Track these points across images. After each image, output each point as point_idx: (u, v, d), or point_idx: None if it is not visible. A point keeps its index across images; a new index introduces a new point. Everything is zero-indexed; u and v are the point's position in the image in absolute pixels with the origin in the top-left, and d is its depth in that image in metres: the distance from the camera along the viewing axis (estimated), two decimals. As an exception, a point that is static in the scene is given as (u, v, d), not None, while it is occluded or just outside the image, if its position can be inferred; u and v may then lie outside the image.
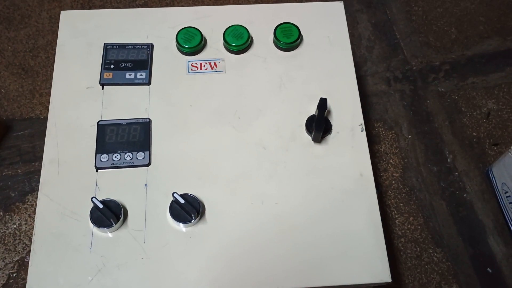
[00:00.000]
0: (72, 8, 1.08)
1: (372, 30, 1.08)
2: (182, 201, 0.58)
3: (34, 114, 0.94)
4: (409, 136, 0.95)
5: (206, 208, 0.62)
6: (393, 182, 0.90)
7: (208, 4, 1.10)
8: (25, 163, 0.89)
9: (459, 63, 1.04)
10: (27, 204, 0.85)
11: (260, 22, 0.75)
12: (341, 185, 0.64)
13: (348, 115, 0.69)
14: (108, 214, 0.58)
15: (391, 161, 0.92)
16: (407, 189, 0.90)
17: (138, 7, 1.09)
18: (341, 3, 0.78)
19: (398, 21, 1.10)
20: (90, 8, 1.08)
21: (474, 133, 0.96)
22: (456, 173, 0.92)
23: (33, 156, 0.90)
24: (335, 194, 0.64)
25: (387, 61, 1.04)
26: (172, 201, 0.60)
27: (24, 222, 0.83)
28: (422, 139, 0.95)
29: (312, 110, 0.68)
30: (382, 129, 0.96)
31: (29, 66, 0.99)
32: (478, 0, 1.13)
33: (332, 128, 0.68)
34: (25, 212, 0.84)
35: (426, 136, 0.95)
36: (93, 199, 0.58)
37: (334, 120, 0.68)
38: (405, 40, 1.07)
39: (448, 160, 0.93)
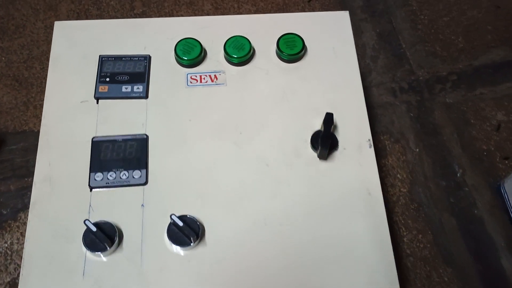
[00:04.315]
0: (68, 17, 1.05)
1: (377, 40, 1.05)
2: (181, 223, 0.55)
3: (28, 127, 0.91)
4: (417, 150, 0.92)
5: (206, 229, 0.59)
6: (401, 197, 0.87)
7: (208, 14, 1.08)
8: (18, 178, 0.86)
9: (466, 73, 1.02)
10: (19, 222, 0.82)
11: (262, 33, 0.73)
12: (348, 205, 0.61)
13: (355, 130, 0.66)
14: (102, 237, 0.54)
15: (398, 175, 0.89)
16: (415, 205, 0.86)
17: (136, 17, 1.06)
18: (347, 13, 0.75)
19: (403, 30, 1.07)
20: (86, 18, 1.05)
21: (483, 146, 0.93)
22: (466, 188, 0.88)
23: (26, 171, 0.87)
24: (342, 214, 0.61)
25: (392, 71, 1.02)
26: (170, 223, 0.57)
27: (16, 241, 0.80)
28: (429, 153, 0.92)
29: (317, 124, 0.65)
30: (389, 142, 0.93)
31: (23, 78, 0.96)
32: (485, 9, 1.10)
33: (339, 144, 0.65)
34: (17, 231, 0.81)
35: (433, 149, 0.92)
36: (86, 222, 0.55)
37: (341, 135, 0.65)
38: (410, 49, 1.04)
39: (458, 174, 0.90)
